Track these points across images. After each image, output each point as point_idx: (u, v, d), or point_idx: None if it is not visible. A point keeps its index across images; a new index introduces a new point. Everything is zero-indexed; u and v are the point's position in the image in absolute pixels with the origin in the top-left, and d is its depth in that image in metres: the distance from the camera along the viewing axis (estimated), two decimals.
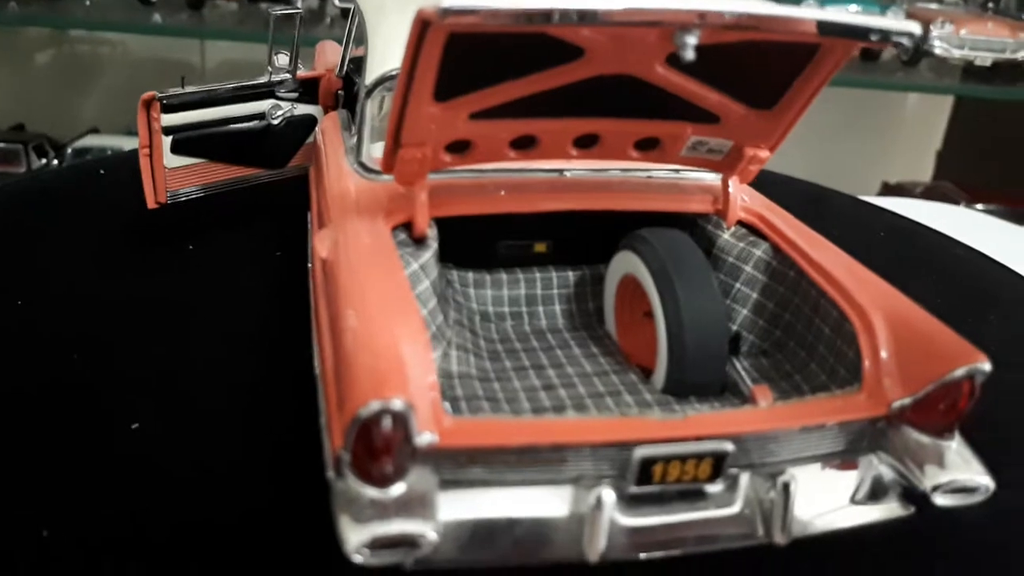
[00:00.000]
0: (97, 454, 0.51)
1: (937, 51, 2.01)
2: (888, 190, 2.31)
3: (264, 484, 0.49)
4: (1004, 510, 0.53)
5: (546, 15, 0.35)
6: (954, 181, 2.25)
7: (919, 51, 2.04)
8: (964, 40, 1.99)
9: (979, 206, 2.05)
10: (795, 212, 0.93)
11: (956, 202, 2.06)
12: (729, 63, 0.44)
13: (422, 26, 0.37)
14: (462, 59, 0.41)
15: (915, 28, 0.39)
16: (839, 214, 1.06)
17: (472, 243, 0.57)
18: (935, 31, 1.99)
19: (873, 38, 0.39)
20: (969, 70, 2.10)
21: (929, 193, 2.16)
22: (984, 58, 2.01)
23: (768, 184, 1.11)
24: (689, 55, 0.37)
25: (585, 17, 0.36)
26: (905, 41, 0.39)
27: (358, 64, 0.66)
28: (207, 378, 0.59)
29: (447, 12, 0.35)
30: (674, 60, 0.43)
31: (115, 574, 0.43)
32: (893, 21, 0.39)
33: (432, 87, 0.43)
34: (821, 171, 2.25)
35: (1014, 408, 0.65)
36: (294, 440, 0.48)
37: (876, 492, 0.43)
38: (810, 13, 0.38)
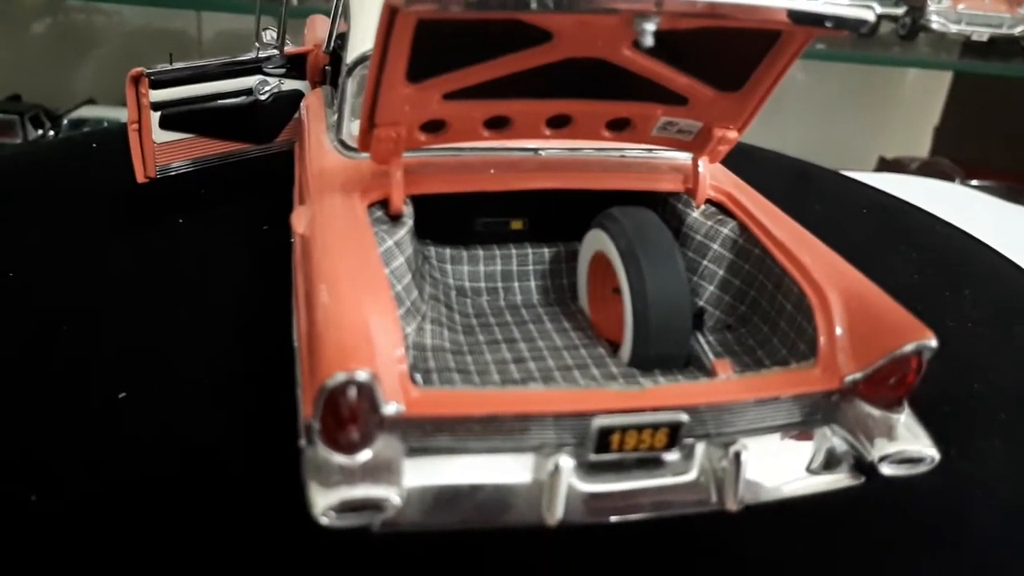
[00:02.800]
0: (84, 423, 0.53)
1: (934, 26, 2.01)
2: (884, 165, 2.32)
3: (244, 451, 0.51)
4: (963, 478, 0.55)
5: (505, 3, 0.37)
6: (950, 157, 2.25)
7: (916, 26, 2.03)
8: (961, 15, 1.99)
9: (974, 182, 2.06)
10: (781, 188, 0.94)
11: (951, 178, 2.07)
12: (694, 47, 0.46)
13: (391, 12, 0.38)
14: (433, 42, 0.42)
15: (869, 15, 0.40)
16: (824, 190, 1.08)
17: (450, 220, 0.59)
18: (932, 6, 1.99)
19: (828, 24, 0.41)
20: (968, 45, 2.09)
21: (925, 169, 2.16)
22: (981, 33, 2.00)
23: (756, 160, 1.13)
24: (648, 41, 0.39)
25: (545, 5, 0.37)
26: (860, 28, 0.41)
27: (345, 39, 0.67)
28: (194, 350, 0.60)
29: (413, 0, 0.36)
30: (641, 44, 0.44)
31: (101, 537, 0.45)
32: (848, 8, 0.40)
33: (404, 69, 0.44)
34: (818, 146, 2.26)
35: (982, 380, 0.67)
36: (276, 409, 0.50)
37: (829, 463, 0.45)
38: (766, 1, 0.40)
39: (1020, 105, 2.24)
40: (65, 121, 1.84)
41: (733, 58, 0.48)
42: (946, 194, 1.65)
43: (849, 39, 2.00)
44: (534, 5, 0.37)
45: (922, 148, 2.51)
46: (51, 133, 1.84)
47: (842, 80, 2.34)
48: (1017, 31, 2.01)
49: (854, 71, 2.27)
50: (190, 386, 0.57)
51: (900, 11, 2.05)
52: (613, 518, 0.42)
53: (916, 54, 2.13)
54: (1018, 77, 2.11)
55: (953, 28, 1.99)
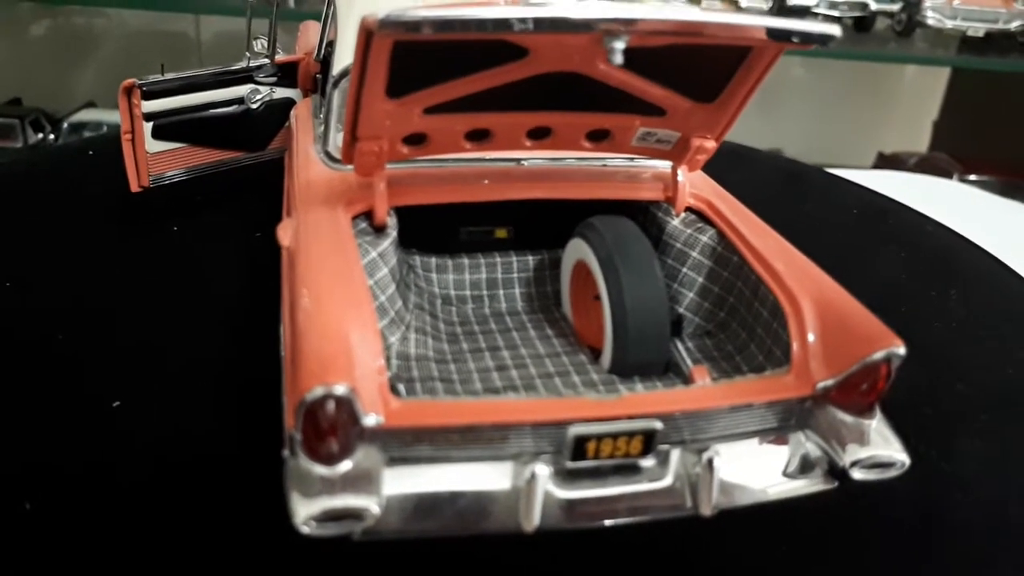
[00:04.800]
0: (79, 429, 0.54)
1: (930, 22, 2.01)
2: (883, 161, 2.32)
3: (238, 457, 0.52)
4: (944, 479, 0.56)
5: (475, 24, 0.38)
6: (949, 152, 2.25)
7: (912, 22, 2.04)
8: (957, 11, 1.99)
9: (972, 177, 2.06)
10: (771, 188, 0.94)
11: (950, 174, 2.07)
12: (669, 60, 0.47)
13: (366, 34, 0.39)
14: (411, 60, 0.43)
15: (834, 30, 0.41)
16: (814, 190, 1.08)
17: (434, 229, 0.60)
18: (928, 2, 1.99)
19: (795, 40, 0.42)
20: (965, 41, 2.09)
21: (923, 164, 2.16)
22: (977, 29, 2.00)
23: (747, 160, 1.13)
24: (617, 59, 0.40)
25: (512, 26, 0.38)
26: (826, 43, 0.42)
27: (334, 48, 0.68)
28: (188, 356, 0.61)
29: (385, 24, 0.38)
30: None
31: (94, 543, 0.46)
32: (813, 24, 0.41)
33: (384, 86, 0.45)
34: (817, 142, 2.27)
35: (965, 381, 0.67)
36: (269, 416, 0.50)
37: (804, 467, 0.46)
38: (731, 18, 0.41)
39: (1018, 100, 2.24)
40: (65, 125, 1.85)
41: (707, 71, 0.49)
42: (941, 191, 1.65)
43: (847, 36, 2.00)
44: (503, 27, 0.38)
45: (921, 143, 2.51)
46: (51, 137, 1.85)
47: (840, 76, 2.34)
48: (1013, 26, 2.01)
49: (852, 67, 2.27)
50: (184, 392, 0.58)
51: (896, 7, 2.05)
52: (590, 524, 0.42)
53: (913, 50, 2.13)
54: (1015, 72, 2.11)
55: (949, 24, 1.99)
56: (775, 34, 0.42)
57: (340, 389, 0.37)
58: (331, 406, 0.37)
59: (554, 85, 0.48)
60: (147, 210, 0.80)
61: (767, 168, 1.14)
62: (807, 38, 0.42)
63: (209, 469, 0.51)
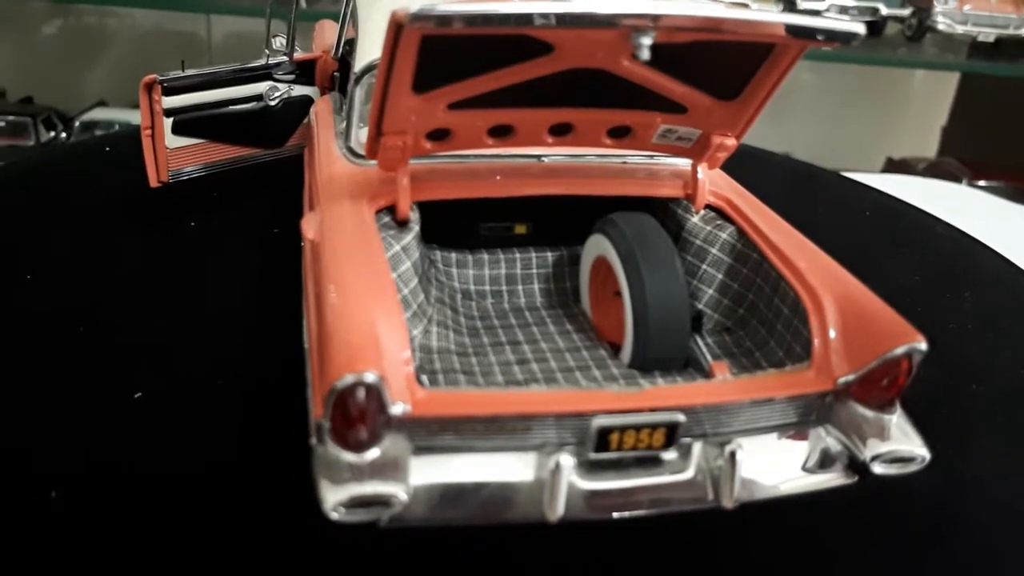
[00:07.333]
0: (101, 421, 0.54)
1: (940, 27, 2.01)
2: (892, 166, 2.32)
3: (257, 449, 0.53)
4: (959, 478, 0.56)
5: (504, 20, 0.38)
6: (958, 157, 2.25)
7: (922, 27, 2.04)
8: (968, 16, 1.99)
9: (981, 182, 2.06)
10: (785, 190, 0.95)
11: (959, 179, 2.07)
12: (692, 57, 0.47)
13: (396, 28, 0.40)
14: (438, 55, 0.43)
15: (859, 28, 0.41)
16: (827, 192, 1.08)
17: (455, 225, 0.60)
18: (938, 7, 1.99)
19: (819, 38, 0.42)
20: (975, 46, 2.10)
21: (932, 169, 2.16)
22: (987, 34, 2.01)
23: (760, 162, 1.13)
24: (644, 55, 0.40)
25: (543, 21, 0.38)
26: (851, 40, 0.42)
27: (353, 46, 0.68)
28: (207, 350, 0.62)
29: (417, 18, 0.38)
30: None
31: (117, 533, 0.47)
32: (839, 22, 0.42)
33: (410, 80, 0.45)
34: (826, 146, 2.27)
35: (980, 381, 0.68)
36: (288, 408, 0.51)
37: (824, 462, 0.46)
38: (757, 15, 0.41)
39: None
40: (77, 123, 1.86)
41: (730, 68, 0.49)
42: (951, 195, 1.66)
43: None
44: (534, 21, 0.38)
45: (930, 149, 2.51)
46: (63, 135, 1.87)
47: (850, 81, 2.34)
48: (1023, 32, 2.01)
49: (861, 72, 2.28)
50: (204, 385, 0.58)
51: (906, 12, 2.05)
52: (612, 515, 0.43)
53: (923, 55, 2.13)
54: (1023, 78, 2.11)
55: (959, 29, 2.00)
56: (800, 32, 0.42)
57: (370, 377, 0.38)
58: (361, 394, 0.38)
59: (577, 82, 0.48)
60: (165, 206, 0.81)
61: (780, 170, 1.15)
62: (832, 36, 0.42)
63: (229, 462, 0.52)
